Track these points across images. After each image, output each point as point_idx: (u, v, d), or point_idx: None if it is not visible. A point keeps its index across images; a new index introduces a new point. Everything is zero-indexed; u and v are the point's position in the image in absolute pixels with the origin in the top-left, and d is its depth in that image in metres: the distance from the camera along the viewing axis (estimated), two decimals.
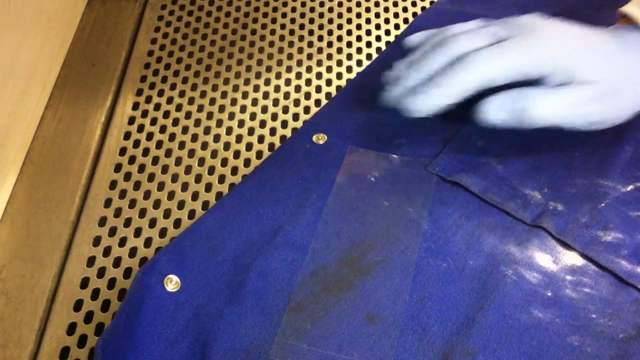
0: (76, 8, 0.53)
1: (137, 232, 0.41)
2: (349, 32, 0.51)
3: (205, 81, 0.49)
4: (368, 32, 0.51)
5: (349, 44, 0.51)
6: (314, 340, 0.34)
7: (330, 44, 0.51)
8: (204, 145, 0.45)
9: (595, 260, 0.36)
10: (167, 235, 0.41)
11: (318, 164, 0.42)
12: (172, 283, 0.37)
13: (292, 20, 0.53)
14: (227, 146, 0.45)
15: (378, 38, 0.51)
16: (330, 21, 0.52)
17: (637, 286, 0.35)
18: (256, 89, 0.48)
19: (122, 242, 0.41)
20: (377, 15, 0.52)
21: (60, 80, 0.50)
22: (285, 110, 0.47)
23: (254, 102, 0.47)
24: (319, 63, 0.49)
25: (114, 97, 0.48)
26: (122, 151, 0.45)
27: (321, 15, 0.53)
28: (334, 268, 0.37)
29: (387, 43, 0.50)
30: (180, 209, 0.42)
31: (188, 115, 0.47)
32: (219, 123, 0.46)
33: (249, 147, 0.45)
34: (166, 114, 0.47)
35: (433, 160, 0.41)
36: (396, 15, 0.52)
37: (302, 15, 0.53)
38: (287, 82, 0.48)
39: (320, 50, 0.50)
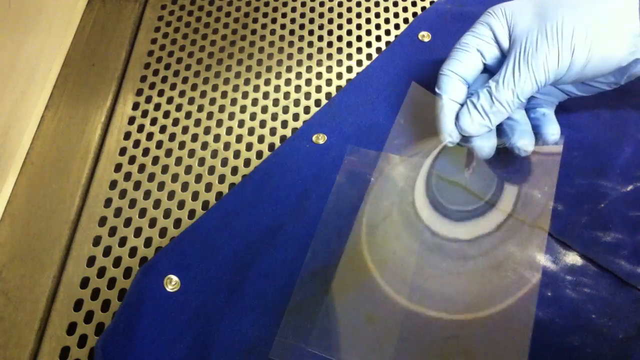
0: (76, 8, 0.53)
1: (137, 232, 0.41)
2: (349, 32, 0.51)
3: (205, 81, 0.49)
4: (368, 32, 0.51)
5: (349, 44, 0.51)
6: (314, 340, 0.34)
7: (330, 44, 0.51)
8: (204, 145, 0.45)
9: (595, 261, 0.36)
10: (167, 235, 0.41)
11: (318, 163, 0.42)
12: (172, 283, 0.37)
13: (292, 20, 0.53)
14: (227, 146, 0.45)
15: (378, 38, 0.51)
16: (330, 21, 0.52)
17: (637, 286, 0.35)
18: (256, 89, 0.48)
19: (122, 242, 0.41)
20: (377, 15, 0.52)
21: (60, 80, 0.50)
22: (285, 110, 0.47)
23: (254, 102, 0.47)
24: (319, 63, 0.49)
25: (114, 97, 0.48)
26: (122, 151, 0.45)
27: (321, 15, 0.53)
28: (334, 268, 0.37)
29: (387, 43, 0.50)
30: (180, 209, 0.42)
31: (188, 115, 0.47)
32: (219, 123, 0.46)
33: (249, 147, 0.45)
34: (166, 114, 0.47)
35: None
36: (396, 15, 0.52)
37: (302, 15, 0.53)
38: (287, 82, 0.48)
39: (320, 50, 0.50)
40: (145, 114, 0.47)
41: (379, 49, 0.50)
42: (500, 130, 0.38)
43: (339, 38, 0.51)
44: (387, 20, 0.52)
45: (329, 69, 0.49)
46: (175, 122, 0.47)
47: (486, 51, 0.38)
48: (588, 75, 0.35)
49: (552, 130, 0.38)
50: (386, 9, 0.53)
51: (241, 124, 0.46)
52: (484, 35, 0.37)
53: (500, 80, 0.35)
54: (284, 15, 0.53)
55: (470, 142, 0.38)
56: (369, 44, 0.50)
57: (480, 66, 0.38)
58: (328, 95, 0.47)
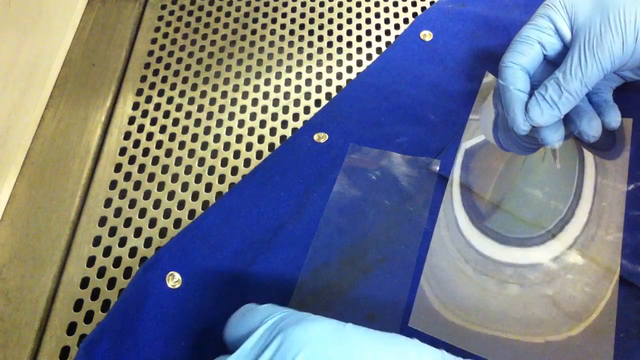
0: (76, 8, 0.53)
1: (137, 232, 0.41)
2: (349, 32, 0.51)
3: (205, 81, 0.49)
4: (368, 32, 0.51)
5: (349, 44, 0.51)
6: None
7: (330, 44, 0.51)
8: (204, 145, 0.45)
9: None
10: (167, 235, 0.41)
11: (319, 162, 0.42)
12: (174, 280, 0.37)
13: (292, 20, 0.53)
14: (227, 146, 0.45)
15: (378, 38, 0.51)
16: (330, 21, 0.52)
17: (638, 285, 0.35)
18: (256, 89, 0.48)
19: (122, 242, 0.40)
20: (377, 15, 0.52)
21: (60, 80, 0.50)
22: (285, 110, 0.47)
23: (254, 102, 0.47)
24: (319, 63, 0.49)
25: (114, 97, 0.48)
26: (122, 151, 0.45)
27: (321, 15, 0.53)
28: (335, 266, 0.37)
29: (387, 43, 0.50)
30: (180, 209, 0.42)
31: (188, 115, 0.47)
32: (219, 123, 0.46)
33: (249, 147, 0.45)
34: (166, 114, 0.47)
35: (434, 159, 0.41)
36: (396, 15, 0.52)
37: (302, 16, 0.53)
38: (287, 82, 0.48)
39: (320, 50, 0.50)
40: (145, 114, 0.47)
41: (379, 49, 0.50)
42: (567, 118, 0.39)
43: (339, 38, 0.51)
44: (387, 21, 0.52)
45: (329, 69, 0.49)
46: (175, 122, 0.47)
47: (547, 43, 0.38)
48: None
49: (615, 117, 0.39)
50: (386, 9, 0.53)
51: (241, 124, 0.46)
52: (544, 28, 0.38)
53: (567, 70, 0.36)
54: (284, 16, 0.53)
55: (540, 132, 0.38)
56: (369, 44, 0.50)
57: (541, 58, 0.39)
58: (328, 95, 0.47)
